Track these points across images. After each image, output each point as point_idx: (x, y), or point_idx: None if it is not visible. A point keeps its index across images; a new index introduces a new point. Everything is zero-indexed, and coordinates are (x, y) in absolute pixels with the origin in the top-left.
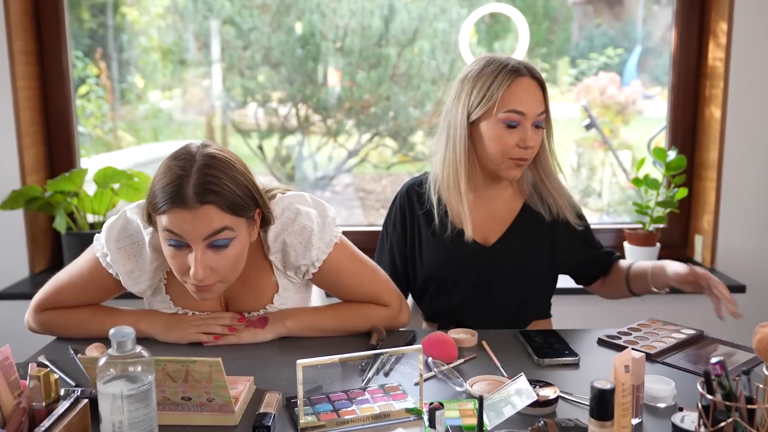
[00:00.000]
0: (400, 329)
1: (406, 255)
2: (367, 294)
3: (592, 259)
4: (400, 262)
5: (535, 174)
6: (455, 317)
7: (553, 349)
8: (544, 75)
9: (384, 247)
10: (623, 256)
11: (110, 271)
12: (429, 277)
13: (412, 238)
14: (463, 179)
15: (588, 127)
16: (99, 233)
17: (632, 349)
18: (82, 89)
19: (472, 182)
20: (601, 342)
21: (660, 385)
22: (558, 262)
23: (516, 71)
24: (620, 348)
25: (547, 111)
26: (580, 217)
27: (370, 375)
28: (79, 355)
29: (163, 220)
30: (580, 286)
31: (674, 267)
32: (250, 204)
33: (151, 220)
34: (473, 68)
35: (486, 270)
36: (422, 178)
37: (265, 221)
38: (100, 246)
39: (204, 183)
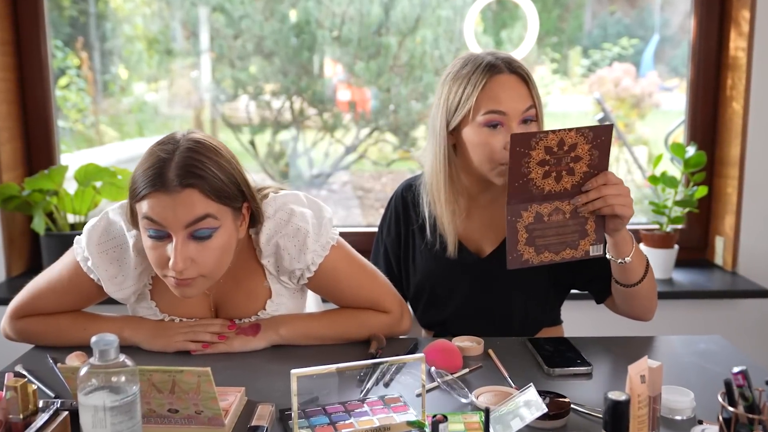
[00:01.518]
0: (401, 337)
1: (401, 259)
2: (366, 299)
3: (599, 273)
4: (396, 266)
5: None
6: (449, 329)
7: (564, 358)
8: (554, 65)
9: (379, 251)
10: None
11: (91, 276)
12: (421, 287)
13: (406, 242)
14: (443, 191)
15: (601, 121)
16: (79, 236)
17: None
18: (62, 81)
19: (461, 190)
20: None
21: (678, 396)
22: (561, 274)
23: (491, 68)
24: None
25: (536, 105)
26: None
27: (369, 386)
28: (58, 365)
29: (143, 206)
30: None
31: None
32: (237, 194)
33: (134, 219)
34: (450, 70)
35: (480, 283)
36: (420, 178)
37: (255, 220)
38: (80, 249)
39: (186, 166)
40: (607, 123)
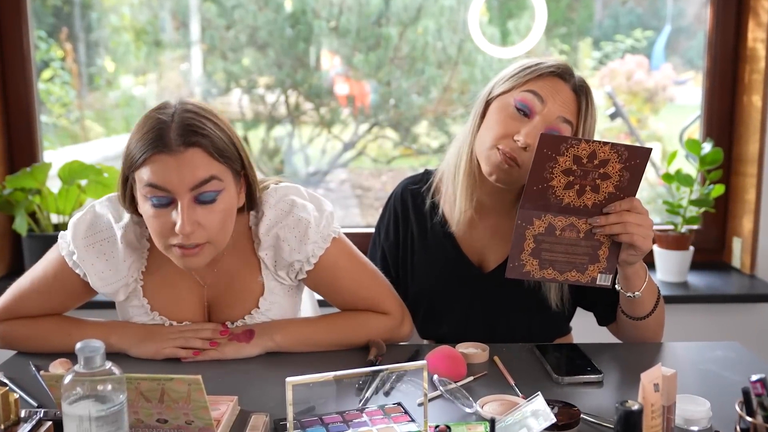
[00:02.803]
0: (402, 343)
1: (399, 265)
2: (365, 299)
3: (604, 299)
4: (394, 271)
5: None
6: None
7: (573, 365)
8: (563, 58)
9: (376, 254)
10: None
11: (77, 271)
12: (418, 298)
13: (405, 246)
14: (464, 159)
15: (613, 116)
16: (64, 231)
17: None
18: (46, 74)
19: (472, 184)
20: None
21: (694, 406)
22: (569, 295)
23: (562, 73)
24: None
25: (576, 126)
26: None
27: (368, 394)
28: (41, 372)
29: (143, 173)
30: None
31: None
32: (237, 156)
33: (128, 201)
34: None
35: (482, 298)
36: (420, 177)
37: (252, 201)
38: (65, 244)
39: (188, 126)
40: (646, 147)
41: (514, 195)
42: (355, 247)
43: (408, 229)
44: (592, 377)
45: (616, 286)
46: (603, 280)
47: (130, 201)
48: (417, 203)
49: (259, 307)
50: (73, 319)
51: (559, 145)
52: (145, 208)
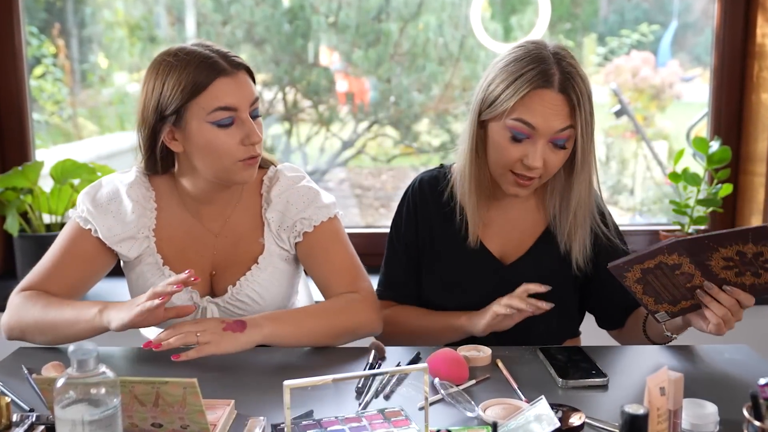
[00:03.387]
0: (372, 336)
1: (420, 259)
2: (348, 276)
3: (617, 300)
4: (416, 269)
5: (554, 201)
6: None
7: (578, 368)
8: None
9: (395, 255)
10: None
11: (88, 227)
12: (438, 291)
13: (424, 239)
14: (468, 179)
15: (618, 114)
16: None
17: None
18: (38, 70)
19: (484, 185)
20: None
21: (701, 410)
22: (586, 291)
23: (542, 78)
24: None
25: (576, 127)
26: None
27: (368, 398)
28: (33, 376)
29: (208, 99)
30: None
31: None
32: None
33: (151, 152)
34: (505, 57)
35: (502, 293)
36: (437, 172)
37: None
38: (77, 210)
39: (229, 54)
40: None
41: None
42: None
43: (427, 221)
44: (597, 381)
45: (663, 326)
46: (661, 318)
47: (151, 150)
48: (435, 196)
49: (258, 263)
50: (67, 300)
51: (621, 272)
52: (208, 134)
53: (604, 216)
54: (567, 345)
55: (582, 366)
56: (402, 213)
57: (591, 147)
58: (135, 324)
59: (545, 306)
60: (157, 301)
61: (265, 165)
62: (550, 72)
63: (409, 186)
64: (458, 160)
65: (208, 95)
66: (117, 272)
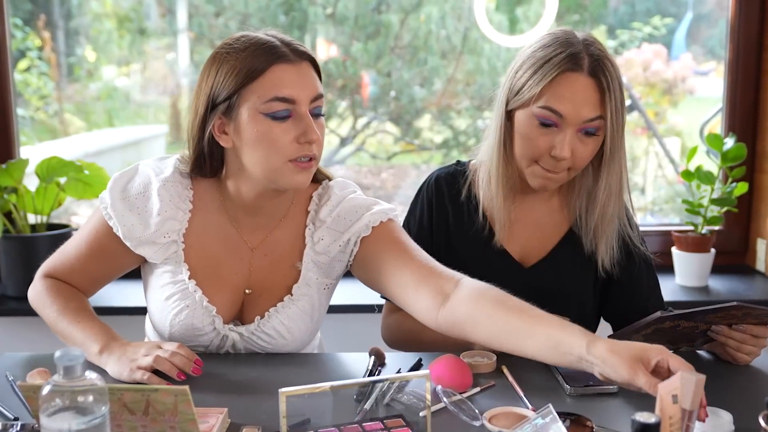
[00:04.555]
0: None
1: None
2: (426, 262)
3: (637, 307)
4: None
5: (580, 201)
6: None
7: (587, 375)
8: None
9: None
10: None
11: (110, 223)
12: None
13: (439, 236)
14: (495, 175)
15: (629, 109)
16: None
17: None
18: (22, 64)
19: (511, 183)
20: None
21: (715, 418)
22: (603, 300)
23: (571, 62)
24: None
25: (606, 118)
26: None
27: (367, 406)
28: (18, 383)
29: (263, 87)
30: None
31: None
32: None
33: (205, 144)
34: (533, 44)
35: (521, 297)
36: (454, 169)
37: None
38: (102, 199)
39: (292, 42)
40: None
41: (556, 189)
42: None
43: (443, 218)
44: (607, 388)
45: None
46: (683, 349)
47: (200, 149)
48: (452, 193)
49: (292, 294)
50: (82, 307)
51: (629, 336)
52: (260, 127)
53: (629, 219)
54: None
55: (590, 372)
56: (416, 212)
57: (621, 139)
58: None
59: None
60: (147, 375)
61: (318, 179)
62: (579, 56)
63: (424, 183)
64: (484, 155)
65: (264, 82)
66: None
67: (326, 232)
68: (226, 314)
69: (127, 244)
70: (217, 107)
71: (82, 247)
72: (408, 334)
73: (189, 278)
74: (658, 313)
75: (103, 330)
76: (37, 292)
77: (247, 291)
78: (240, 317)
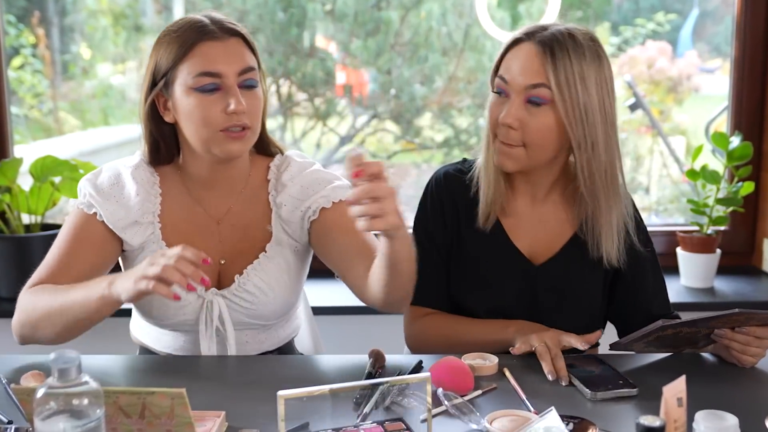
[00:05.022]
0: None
1: (450, 257)
2: (372, 246)
3: (641, 309)
4: (448, 270)
5: (584, 202)
6: None
7: (605, 379)
8: None
9: (427, 256)
10: (679, 316)
11: (92, 211)
12: (465, 291)
13: (454, 235)
14: (483, 159)
15: (633, 107)
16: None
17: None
18: (16, 61)
19: (495, 177)
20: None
21: (720, 422)
22: (615, 298)
23: (524, 33)
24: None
25: (552, 87)
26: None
27: (367, 409)
28: (12, 386)
29: (190, 65)
30: None
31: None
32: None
33: (152, 117)
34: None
35: (531, 295)
36: (461, 165)
37: (267, 146)
38: (79, 198)
39: (222, 20)
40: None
41: (553, 178)
42: None
43: (455, 217)
44: (628, 391)
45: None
46: (686, 351)
47: (151, 114)
48: (461, 190)
49: (266, 251)
50: (72, 285)
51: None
52: (190, 100)
53: (635, 214)
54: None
55: (608, 376)
56: (427, 209)
57: (589, 124)
58: (141, 293)
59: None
60: (152, 284)
61: (272, 153)
62: (534, 29)
63: (431, 180)
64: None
65: (192, 59)
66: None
67: (288, 199)
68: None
69: (111, 227)
70: (157, 84)
71: (62, 247)
72: (437, 338)
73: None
74: (660, 322)
75: (103, 276)
76: (23, 303)
77: (222, 261)
78: (219, 286)
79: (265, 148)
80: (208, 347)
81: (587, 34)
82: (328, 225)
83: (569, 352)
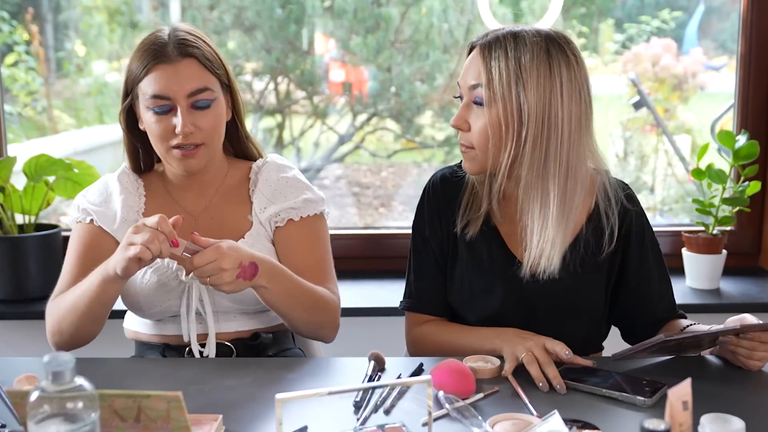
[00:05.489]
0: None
1: (447, 262)
2: (322, 275)
3: (646, 310)
4: (444, 271)
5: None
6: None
7: (635, 382)
8: (581, 41)
9: (426, 261)
10: (685, 315)
11: (89, 219)
12: (461, 298)
13: (448, 240)
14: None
15: (637, 105)
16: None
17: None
18: (9, 59)
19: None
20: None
21: (726, 426)
22: (619, 303)
23: (471, 44)
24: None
25: (485, 81)
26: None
27: (366, 413)
28: (5, 388)
29: (145, 86)
30: None
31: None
32: (224, 70)
33: (129, 122)
34: None
35: (527, 301)
36: (458, 168)
37: (238, 115)
38: (75, 213)
39: (183, 40)
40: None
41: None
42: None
43: (453, 221)
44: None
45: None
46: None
47: (130, 120)
48: (457, 193)
49: (244, 238)
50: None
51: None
52: (147, 117)
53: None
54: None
55: (632, 379)
56: (424, 214)
57: (524, 123)
58: (132, 261)
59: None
60: (140, 248)
61: (253, 157)
62: (483, 34)
63: (428, 184)
64: None
65: (145, 82)
66: None
67: (263, 197)
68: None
69: (107, 229)
70: (128, 95)
71: (73, 257)
72: (433, 345)
73: None
74: (662, 336)
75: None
76: (49, 311)
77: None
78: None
79: (244, 152)
80: (188, 331)
81: (547, 35)
82: (290, 236)
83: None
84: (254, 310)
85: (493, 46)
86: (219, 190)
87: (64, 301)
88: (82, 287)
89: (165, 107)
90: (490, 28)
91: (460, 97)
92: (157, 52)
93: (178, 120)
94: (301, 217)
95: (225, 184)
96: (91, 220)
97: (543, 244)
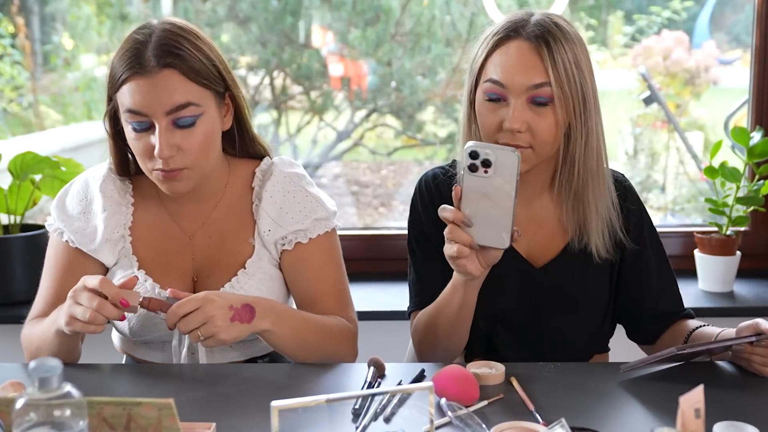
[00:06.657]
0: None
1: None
2: (337, 301)
3: (650, 307)
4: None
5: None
6: (492, 346)
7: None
8: (590, 34)
9: (428, 261)
10: (693, 314)
11: (63, 238)
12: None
13: (440, 240)
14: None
15: (647, 101)
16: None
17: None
18: None
19: None
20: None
21: None
22: (625, 300)
23: (506, 32)
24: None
25: (552, 83)
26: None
27: (366, 421)
28: None
29: (122, 97)
30: None
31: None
32: (218, 77)
33: (112, 125)
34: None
35: (532, 299)
36: (450, 167)
37: (242, 124)
38: (50, 222)
39: (163, 45)
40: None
41: (545, 176)
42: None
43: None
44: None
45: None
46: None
47: (116, 124)
48: (450, 192)
49: (245, 268)
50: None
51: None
52: (128, 131)
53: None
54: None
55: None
56: (419, 212)
57: (585, 115)
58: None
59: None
60: (78, 325)
61: (257, 155)
62: (519, 23)
63: (420, 182)
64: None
65: (122, 93)
66: None
67: (265, 218)
68: None
69: (84, 250)
70: (111, 100)
71: (49, 277)
72: (428, 329)
73: (138, 268)
74: (673, 349)
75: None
76: (24, 337)
77: (195, 279)
78: None
79: (248, 150)
80: (180, 361)
81: (562, 18)
82: (300, 259)
83: (579, 359)
84: (252, 337)
85: (549, 38)
86: (219, 204)
87: (35, 334)
88: (44, 331)
89: (143, 124)
90: (506, 18)
91: (499, 99)
92: (133, 61)
93: (156, 140)
94: (310, 238)
95: (226, 195)
96: (66, 240)
97: (602, 226)
